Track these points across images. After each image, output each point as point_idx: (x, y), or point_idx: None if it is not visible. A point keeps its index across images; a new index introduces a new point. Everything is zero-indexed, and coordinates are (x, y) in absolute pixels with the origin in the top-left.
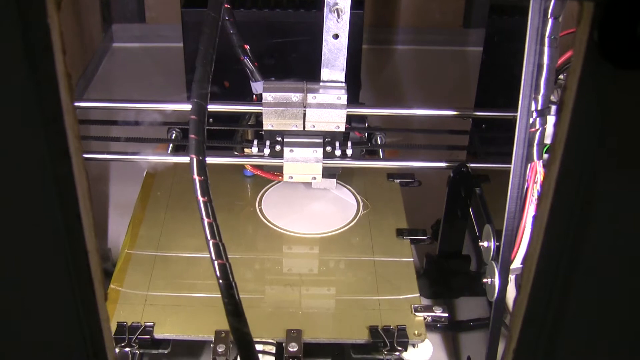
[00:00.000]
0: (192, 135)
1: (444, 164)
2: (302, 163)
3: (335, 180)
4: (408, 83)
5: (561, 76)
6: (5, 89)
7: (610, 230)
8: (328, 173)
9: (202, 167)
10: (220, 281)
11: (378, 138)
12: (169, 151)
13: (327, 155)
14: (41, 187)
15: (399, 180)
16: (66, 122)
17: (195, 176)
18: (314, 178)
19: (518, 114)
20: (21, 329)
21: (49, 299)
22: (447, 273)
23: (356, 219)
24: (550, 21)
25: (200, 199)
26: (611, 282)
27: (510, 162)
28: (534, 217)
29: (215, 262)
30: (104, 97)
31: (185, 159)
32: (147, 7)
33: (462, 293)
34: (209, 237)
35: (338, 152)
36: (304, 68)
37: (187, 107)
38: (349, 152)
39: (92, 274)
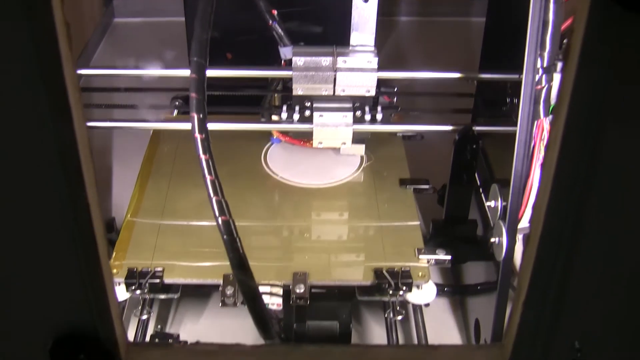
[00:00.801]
0: (193, 94)
1: (450, 127)
2: (331, 128)
3: (363, 146)
4: (412, 55)
5: (566, 40)
6: (1, 39)
7: (619, 179)
8: (357, 138)
9: (203, 125)
10: (225, 237)
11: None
12: (174, 115)
13: (356, 120)
14: (40, 136)
15: (401, 133)
16: (65, 70)
17: (197, 134)
18: (344, 143)
19: (524, 70)
20: (21, 283)
21: (51, 255)
22: (454, 238)
23: (360, 170)
24: None
25: (202, 156)
26: (621, 232)
27: (516, 125)
28: (541, 170)
29: (219, 219)
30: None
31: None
32: None
33: (468, 258)
34: (211, 195)
35: (368, 117)
36: (332, 35)
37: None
38: (379, 116)
39: (94, 229)
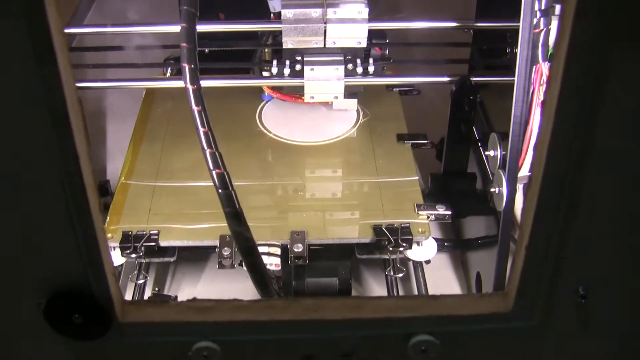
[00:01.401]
0: (184, 44)
1: (446, 78)
2: (323, 82)
3: (356, 100)
4: (404, 2)
5: None
6: None
7: (623, 117)
8: (349, 92)
9: (195, 75)
10: (220, 190)
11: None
12: (167, 75)
13: (348, 73)
14: (26, 80)
15: (397, 89)
16: (52, 29)
17: (189, 85)
18: (336, 97)
19: (521, 12)
20: (13, 242)
21: (41, 210)
22: (453, 192)
23: (357, 127)
24: None
25: (195, 108)
26: (625, 172)
27: (513, 75)
28: (542, 103)
29: (214, 172)
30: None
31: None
32: None
33: (468, 213)
34: (205, 147)
35: (360, 70)
36: None
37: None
38: (371, 69)
39: (84, 181)
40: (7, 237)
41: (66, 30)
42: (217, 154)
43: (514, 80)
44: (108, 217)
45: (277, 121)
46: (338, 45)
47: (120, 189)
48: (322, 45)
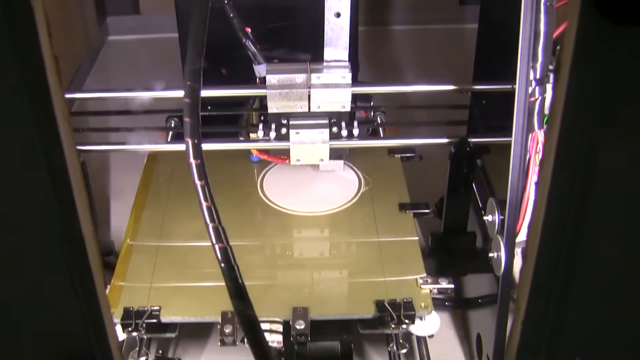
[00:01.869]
0: (187, 119)
1: (445, 140)
2: (308, 145)
3: (342, 161)
4: (406, 63)
5: (559, 47)
6: None
7: (614, 192)
8: (335, 154)
9: (198, 150)
10: (222, 264)
11: (378, 118)
12: (168, 139)
13: (334, 136)
14: (34, 174)
15: (399, 155)
16: (55, 105)
17: (192, 160)
18: (321, 160)
19: (517, 83)
20: (22, 320)
21: (48, 288)
22: (453, 250)
23: (358, 196)
24: None
25: (198, 182)
26: (619, 244)
27: (511, 135)
28: (537, 184)
29: (216, 246)
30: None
31: (183, 147)
32: None
33: (469, 270)
34: (208, 221)
35: (344, 133)
36: (309, 49)
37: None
38: (356, 132)
39: (89, 261)
40: (14, 312)
41: (67, 96)
42: (220, 228)
43: (511, 140)
44: (108, 288)
45: (278, 189)
46: (322, 110)
47: (121, 261)
48: (307, 110)
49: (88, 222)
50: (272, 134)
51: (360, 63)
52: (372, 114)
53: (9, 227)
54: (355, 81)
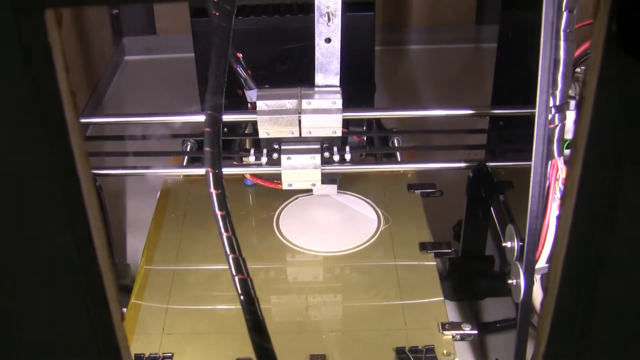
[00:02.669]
0: (207, 148)
1: (462, 164)
2: (300, 170)
3: (336, 186)
4: (423, 83)
5: (578, 69)
6: (8, 112)
7: (637, 227)
8: (328, 179)
9: (219, 180)
10: (242, 297)
11: (395, 140)
12: (184, 164)
13: (326, 161)
14: (50, 209)
15: (419, 191)
16: (72, 141)
17: (212, 189)
18: (314, 185)
19: (536, 111)
20: (38, 356)
21: (64, 323)
22: (471, 274)
23: (378, 234)
24: (565, 14)
25: (218, 212)
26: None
27: (530, 160)
28: (558, 217)
29: (236, 278)
30: (118, 112)
31: (199, 171)
32: (157, 19)
33: (486, 294)
34: (228, 252)
35: (336, 157)
36: (305, 74)
37: (201, 118)
38: (347, 156)
39: (107, 295)
40: (27, 349)
41: (83, 120)
42: (240, 259)
43: (529, 164)
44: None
45: (295, 227)
46: (314, 135)
47: (131, 308)
48: (298, 135)
49: (105, 256)
50: (264, 159)
51: (377, 84)
52: (364, 138)
53: (23, 260)
54: (370, 104)
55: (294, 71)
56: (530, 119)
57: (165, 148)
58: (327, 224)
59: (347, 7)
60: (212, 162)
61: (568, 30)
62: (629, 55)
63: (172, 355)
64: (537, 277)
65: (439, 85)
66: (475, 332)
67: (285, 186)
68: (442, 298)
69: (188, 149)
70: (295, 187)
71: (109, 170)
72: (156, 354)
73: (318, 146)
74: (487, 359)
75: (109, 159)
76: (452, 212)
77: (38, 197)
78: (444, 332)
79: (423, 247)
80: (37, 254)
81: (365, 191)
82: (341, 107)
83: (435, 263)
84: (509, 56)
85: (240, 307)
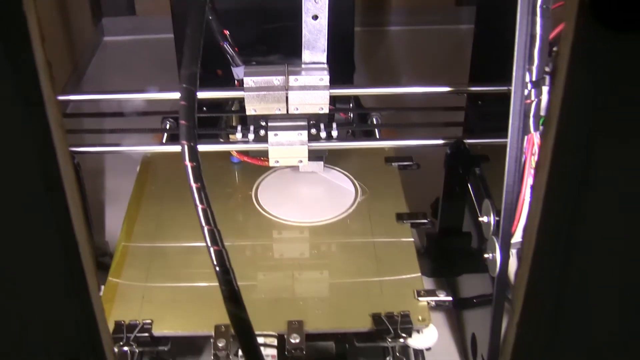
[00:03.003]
0: (182, 121)
1: (440, 141)
2: (287, 147)
3: (322, 163)
4: (402, 64)
5: (555, 48)
6: None
7: (610, 197)
8: (315, 156)
9: (194, 153)
10: (217, 268)
11: (374, 119)
12: (164, 141)
13: (313, 138)
14: (27, 181)
15: (397, 163)
16: (48, 112)
17: (187, 162)
18: (300, 161)
19: (512, 86)
20: (15, 328)
21: (41, 295)
22: (448, 251)
23: (355, 205)
24: None
25: (193, 185)
26: (613, 247)
27: (505, 136)
28: (532, 187)
29: (211, 249)
30: (97, 90)
31: (178, 148)
32: (137, 0)
33: (464, 270)
34: (203, 224)
35: (323, 134)
36: (291, 52)
37: (178, 95)
38: (334, 133)
39: (84, 267)
40: (5, 318)
41: (62, 98)
42: (215, 230)
43: (507, 141)
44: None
45: (273, 198)
46: (301, 112)
47: (112, 275)
48: (285, 112)
49: (81, 226)
50: (251, 136)
51: (357, 64)
52: (351, 115)
53: (6, 237)
54: (349, 82)
55: (279, 49)
56: (506, 96)
57: (144, 126)
58: (305, 196)
59: None
60: (187, 135)
61: (545, 7)
62: (601, 24)
63: (152, 322)
64: (513, 252)
65: (418, 66)
66: (450, 298)
67: (272, 163)
68: (417, 264)
69: (167, 127)
70: (282, 163)
71: (87, 147)
72: (136, 320)
73: (305, 123)
74: (463, 333)
75: (87, 136)
76: (429, 187)
77: (15, 169)
78: (419, 299)
79: (400, 217)
80: (15, 226)
81: (343, 164)
82: (328, 83)
83: (411, 232)
84: (486, 34)
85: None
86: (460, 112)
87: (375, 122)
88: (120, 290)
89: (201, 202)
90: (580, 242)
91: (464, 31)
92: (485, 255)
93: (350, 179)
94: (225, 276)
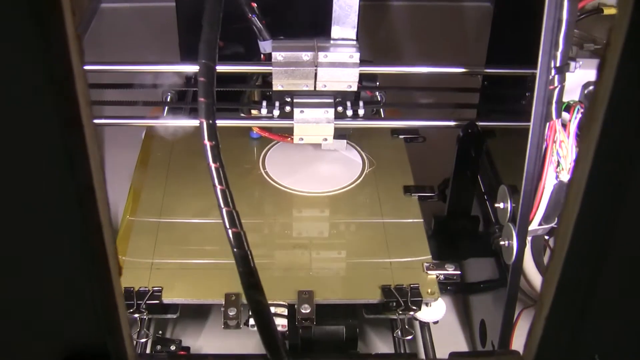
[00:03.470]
0: (202, 99)
1: (452, 123)
2: (313, 124)
3: (345, 141)
4: (405, 40)
5: (576, 30)
6: (14, 56)
7: None
8: (338, 134)
9: (213, 131)
10: (235, 250)
11: (378, 97)
12: (164, 114)
13: (338, 116)
14: (53, 158)
15: (403, 136)
16: (77, 87)
17: (206, 141)
18: (325, 139)
19: (537, 71)
20: (34, 307)
21: (62, 275)
22: (456, 234)
23: (362, 177)
24: None
25: (212, 165)
26: None
27: (521, 120)
28: (570, 181)
29: (230, 231)
30: (96, 60)
31: (184, 122)
32: None
33: (471, 254)
34: (222, 205)
35: (349, 112)
36: (315, 28)
37: (184, 68)
38: (361, 112)
39: (106, 249)
40: (25, 299)
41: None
42: (234, 212)
43: (522, 125)
44: None
45: (281, 168)
46: (328, 89)
47: (120, 239)
48: (313, 88)
49: (105, 209)
50: (276, 112)
51: (359, 39)
52: (377, 94)
53: (23, 212)
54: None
55: (308, 25)
56: (523, 80)
57: (144, 99)
58: (313, 167)
59: None
60: (207, 112)
61: None
62: None
63: (162, 289)
64: (528, 239)
65: (422, 43)
66: (459, 272)
67: (296, 140)
68: (426, 237)
69: (168, 100)
70: (306, 141)
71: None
72: (145, 287)
73: (331, 100)
74: (471, 319)
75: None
76: (436, 166)
77: (41, 145)
78: (428, 272)
79: (407, 190)
80: (39, 202)
81: (350, 135)
82: (358, 61)
83: (419, 205)
84: (507, 15)
85: (229, 244)
86: (474, 93)
87: (380, 101)
88: (129, 257)
89: (220, 183)
90: (617, 237)
91: (466, 8)
92: (501, 242)
93: (357, 150)
94: (244, 259)
